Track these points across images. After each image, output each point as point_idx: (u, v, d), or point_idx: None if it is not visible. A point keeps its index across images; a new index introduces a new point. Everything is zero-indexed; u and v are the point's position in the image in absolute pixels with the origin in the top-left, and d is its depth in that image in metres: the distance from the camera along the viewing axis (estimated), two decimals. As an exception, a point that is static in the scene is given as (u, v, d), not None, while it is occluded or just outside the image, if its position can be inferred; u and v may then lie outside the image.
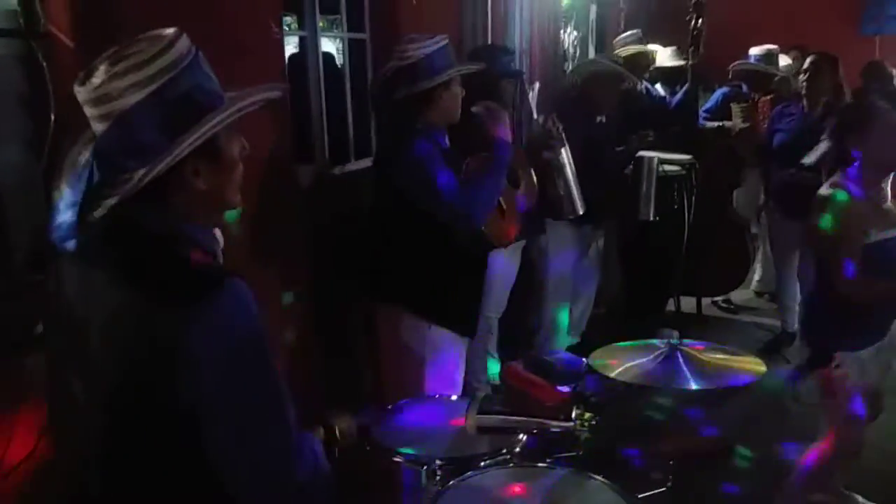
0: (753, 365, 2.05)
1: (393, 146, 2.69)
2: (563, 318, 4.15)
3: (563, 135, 3.59)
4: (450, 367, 2.76)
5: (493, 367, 3.92)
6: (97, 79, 1.18)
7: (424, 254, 2.63)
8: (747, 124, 5.03)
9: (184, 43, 1.22)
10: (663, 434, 2.81)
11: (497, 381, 3.85)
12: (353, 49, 3.63)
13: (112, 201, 1.17)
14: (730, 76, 5.59)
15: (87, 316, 1.25)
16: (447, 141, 2.75)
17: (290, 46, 3.66)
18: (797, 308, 4.67)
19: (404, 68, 2.61)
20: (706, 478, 3.15)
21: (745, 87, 5.38)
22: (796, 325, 4.64)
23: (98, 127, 1.21)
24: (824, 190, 2.63)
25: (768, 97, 5.03)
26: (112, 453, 1.28)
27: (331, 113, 3.47)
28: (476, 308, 2.82)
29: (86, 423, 1.30)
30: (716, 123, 5.31)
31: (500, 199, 2.74)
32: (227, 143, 1.29)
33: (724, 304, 5.62)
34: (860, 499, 3.04)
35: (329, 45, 3.94)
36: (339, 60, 3.81)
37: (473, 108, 2.76)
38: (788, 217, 4.45)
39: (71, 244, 1.22)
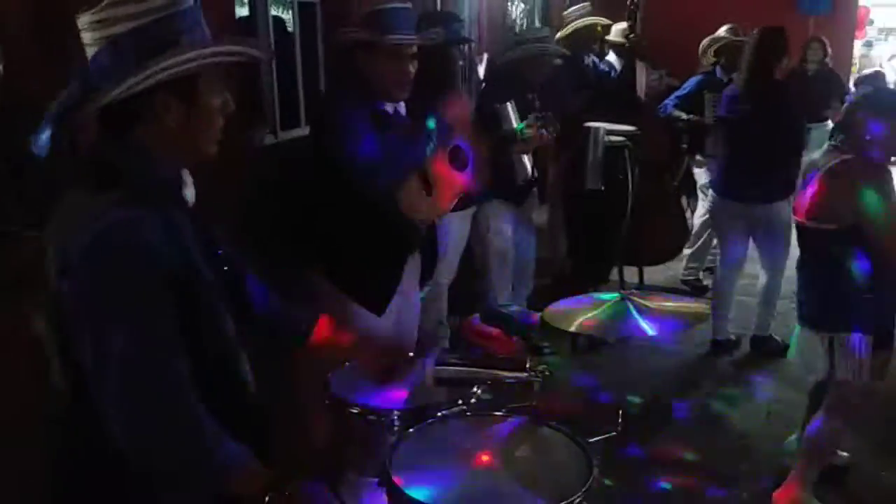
0: (699, 308, 2.14)
1: (326, 110, 2.66)
2: (508, 282, 4.19)
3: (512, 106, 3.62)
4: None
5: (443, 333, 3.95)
6: (101, 5, 1.28)
7: (348, 225, 2.58)
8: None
9: None
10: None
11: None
12: (304, 15, 3.60)
13: (78, 115, 1.27)
14: (713, 59, 5.22)
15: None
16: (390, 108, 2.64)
17: (241, 8, 3.62)
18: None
19: (360, 16, 2.58)
20: (655, 423, 3.25)
21: (718, 72, 5.11)
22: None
23: (91, 52, 1.32)
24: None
25: None
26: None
27: (281, 78, 3.45)
28: (392, 289, 2.69)
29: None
30: (684, 116, 5.05)
31: (428, 176, 2.59)
32: (206, 88, 1.36)
33: (697, 284, 5.41)
34: None
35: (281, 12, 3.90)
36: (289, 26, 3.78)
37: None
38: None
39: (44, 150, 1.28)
